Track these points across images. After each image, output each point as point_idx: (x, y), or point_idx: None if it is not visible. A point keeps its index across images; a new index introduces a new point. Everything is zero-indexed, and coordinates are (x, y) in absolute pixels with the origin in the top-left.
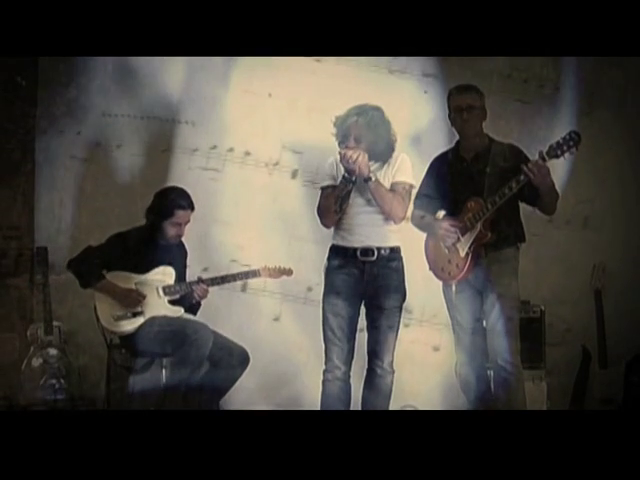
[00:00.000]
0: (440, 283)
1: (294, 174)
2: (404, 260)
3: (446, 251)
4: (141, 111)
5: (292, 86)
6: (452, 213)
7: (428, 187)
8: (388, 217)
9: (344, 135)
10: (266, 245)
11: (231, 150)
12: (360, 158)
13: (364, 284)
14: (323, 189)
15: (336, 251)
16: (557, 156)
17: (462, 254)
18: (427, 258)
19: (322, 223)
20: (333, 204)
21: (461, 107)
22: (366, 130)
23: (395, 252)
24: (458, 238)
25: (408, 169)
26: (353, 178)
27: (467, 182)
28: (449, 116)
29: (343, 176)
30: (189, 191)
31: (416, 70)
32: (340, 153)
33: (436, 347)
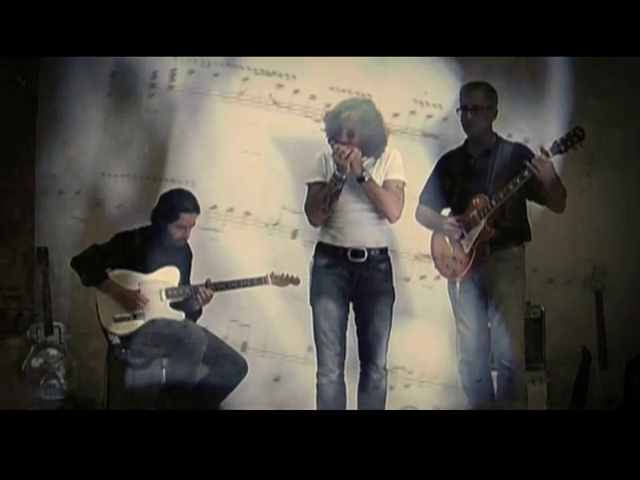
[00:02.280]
0: (441, 344)
1: (294, 234)
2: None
3: (451, 248)
4: (141, 171)
5: (291, 147)
6: (458, 210)
7: (435, 184)
8: (384, 216)
9: (336, 130)
10: (266, 306)
11: (231, 210)
12: (353, 155)
13: (354, 286)
14: (310, 185)
15: (325, 250)
16: (561, 152)
17: (466, 251)
18: (432, 255)
19: (310, 221)
20: (322, 202)
21: (467, 106)
22: (359, 124)
23: (384, 253)
24: (462, 234)
25: (400, 166)
26: (344, 177)
27: (474, 179)
28: (457, 111)
29: (334, 174)
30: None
31: (417, 130)
32: (333, 147)
33: (437, 407)
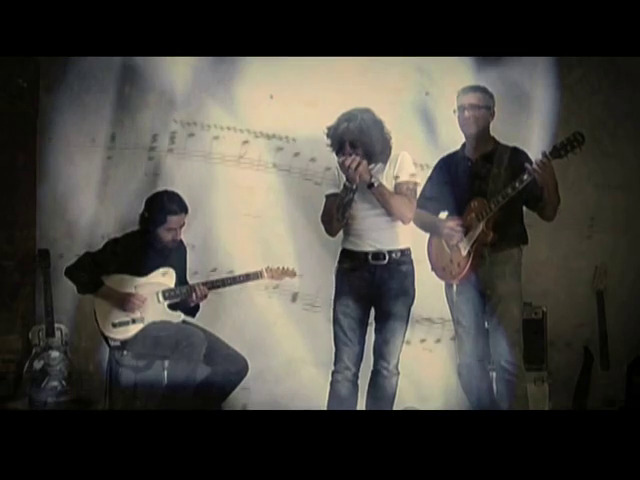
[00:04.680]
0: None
1: (294, 297)
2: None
3: (448, 250)
4: None
5: (291, 210)
6: (455, 214)
7: (432, 187)
8: (396, 219)
9: (339, 143)
10: (267, 371)
11: (231, 272)
12: (360, 166)
13: (375, 288)
14: (327, 197)
15: (347, 255)
16: (560, 156)
17: (464, 253)
18: (429, 258)
19: (326, 231)
20: (336, 212)
21: (464, 106)
22: (359, 134)
23: (406, 255)
24: (461, 237)
25: (410, 167)
26: (354, 186)
27: (471, 183)
28: (454, 112)
29: (344, 184)
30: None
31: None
32: (339, 162)
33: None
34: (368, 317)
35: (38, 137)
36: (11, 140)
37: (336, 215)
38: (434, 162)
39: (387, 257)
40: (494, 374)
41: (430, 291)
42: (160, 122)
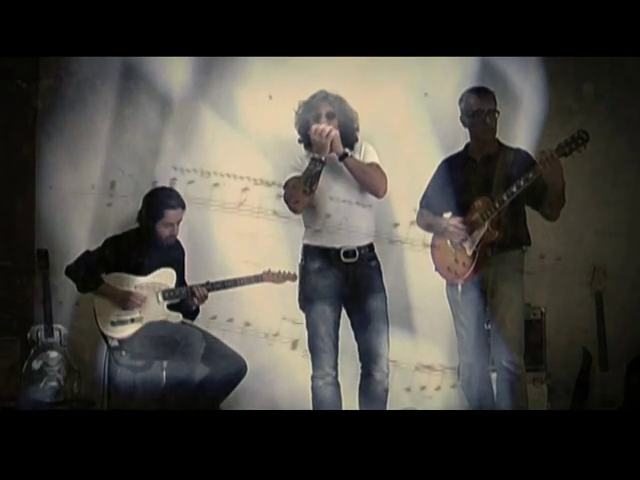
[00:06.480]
0: None
1: (294, 345)
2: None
3: (452, 250)
4: None
5: (292, 257)
6: (459, 214)
7: (435, 188)
8: (371, 191)
9: (314, 117)
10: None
11: (231, 320)
12: (333, 132)
13: (348, 287)
14: (289, 180)
15: (315, 253)
16: (566, 154)
17: (469, 253)
18: (433, 258)
19: (291, 208)
20: (303, 184)
21: (483, 110)
22: (338, 104)
23: (372, 250)
24: (465, 236)
25: (375, 155)
26: (323, 158)
27: (475, 183)
28: (461, 118)
29: (312, 157)
30: None
31: (417, 240)
32: (311, 129)
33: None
34: (340, 317)
35: (37, 184)
36: (10, 187)
37: (303, 187)
38: (434, 163)
39: (357, 253)
40: (495, 374)
41: (430, 337)
42: (159, 169)
